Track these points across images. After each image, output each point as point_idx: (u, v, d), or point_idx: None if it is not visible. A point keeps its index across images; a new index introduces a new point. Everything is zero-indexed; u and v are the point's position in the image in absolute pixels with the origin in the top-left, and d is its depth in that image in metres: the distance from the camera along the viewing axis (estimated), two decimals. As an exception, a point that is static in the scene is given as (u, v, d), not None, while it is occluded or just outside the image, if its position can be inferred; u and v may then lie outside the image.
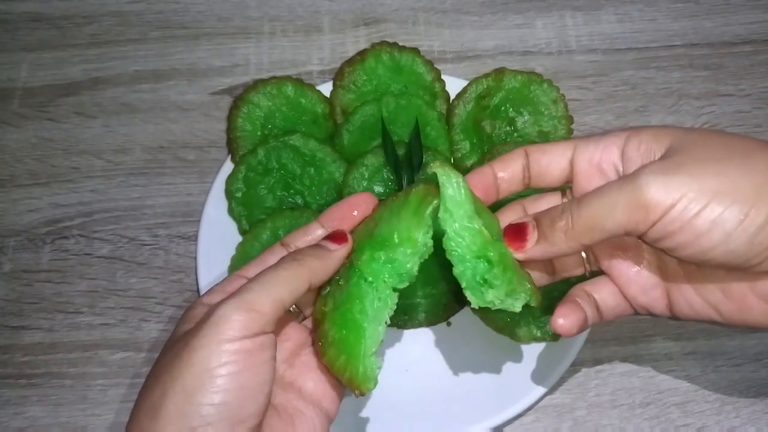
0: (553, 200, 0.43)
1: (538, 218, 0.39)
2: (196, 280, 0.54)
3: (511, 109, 0.57)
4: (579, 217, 0.36)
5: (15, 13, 0.67)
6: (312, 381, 0.40)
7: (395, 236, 0.38)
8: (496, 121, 0.57)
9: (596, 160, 0.39)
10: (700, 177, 0.34)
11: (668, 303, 0.40)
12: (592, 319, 0.41)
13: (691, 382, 0.52)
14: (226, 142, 0.59)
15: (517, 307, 0.38)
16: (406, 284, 0.39)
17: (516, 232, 0.39)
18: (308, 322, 0.43)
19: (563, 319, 0.39)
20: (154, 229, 0.58)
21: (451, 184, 0.37)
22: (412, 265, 0.38)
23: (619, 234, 0.35)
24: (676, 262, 0.40)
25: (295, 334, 0.42)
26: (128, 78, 0.64)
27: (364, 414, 0.49)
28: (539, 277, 0.43)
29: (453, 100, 0.58)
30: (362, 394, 0.37)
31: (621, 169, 0.39)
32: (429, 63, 0.59)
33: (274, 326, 0.36)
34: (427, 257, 0.39)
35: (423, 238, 0.38)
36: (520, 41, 0.65)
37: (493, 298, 0.38)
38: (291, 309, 0.42)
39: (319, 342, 0.39)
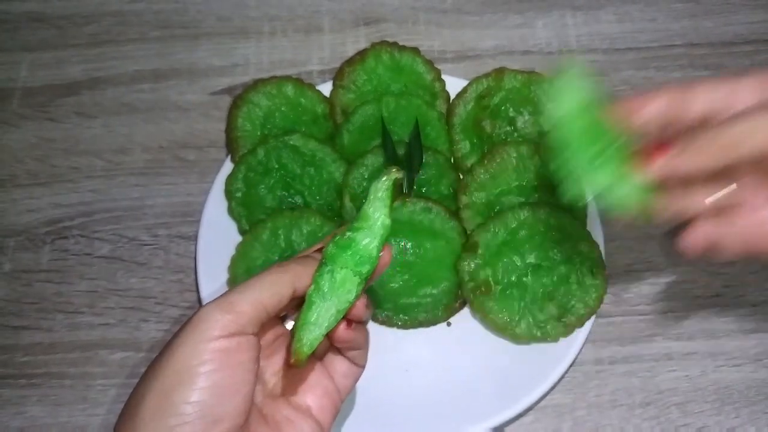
0: None
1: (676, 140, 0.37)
2: (196, 280, 0.54)
3: (511, 109, 0.57)
4: (721, 133, 0.35)
5: (15, 13, 0.67)
6: (301, 393, 0.40)
7: (355, 220, 0.38)
8: (496, 120, 0.57)
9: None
10: None
11: None
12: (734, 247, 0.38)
13: (691, 382, 0.52)
14: (226, 142, 0.59)
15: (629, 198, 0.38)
16: (368, 267, 0.38)
17: (656, 148, 0.38)
18: None
19: (692, 233, 0.38)
20: (154, 229, 0.58)
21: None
22: (369, 244, 0.38)
23: (756, 157, 0.35)
24: None
25: (285, 350, 0.41)
26: (128, 78, 0.64)
27: (364, 413, 0.49)
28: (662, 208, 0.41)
29: (453, 99, 0.58)
30: (298, 363, 0.36)
31: None
32: (429, 63, 0.59)
33: (256, 329, 0.36)
34: (386, 237, 0.38)
35: (376, 214, 0.38)
36: (521, 41, 0.65)
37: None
38: (289, 327, 0.41)
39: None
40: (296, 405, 0.39)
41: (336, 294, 0.37)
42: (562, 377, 0.51)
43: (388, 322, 0.52)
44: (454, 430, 0.48)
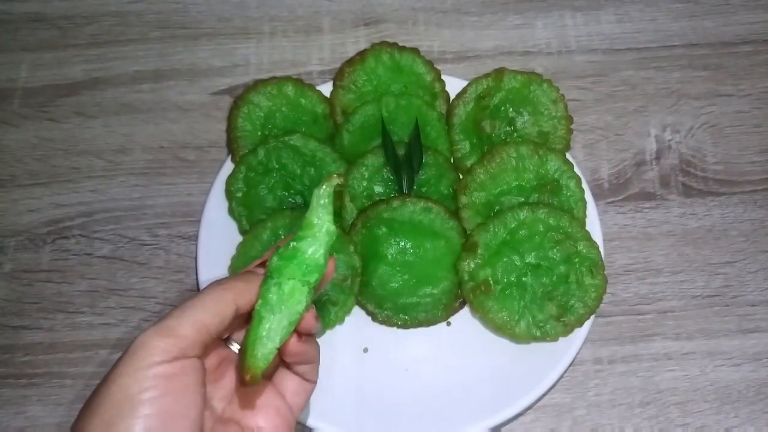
0: None
1: None
2: (197, 280, 0.54)
3: (511, 109, 0.57)
4: None
5: (15, 13, 0.68)
6: (252, 415, 0.39)
7: (298, 230, 0.38)
8: (496, 121, 0.57)
9: None
10: None
11: None
12: None
13: (690, 381, 0.52)
14: (227, 142, 0.59)
15: None
16: (316, 276, 0.37)
17: None
18: None
19: None
20: (155, 229, 0.58)
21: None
22: (315, 252, 0.37)
23: None
24: None
25: (234, 371, 0.40)
26: (128, 78, 0.64)
27: (363, 413, 0.49)
28: None
29: (453, 100, 0.58)
30: (253, 380, 0.35)
31: None
32: (429, 63, 0.59)
33: (200, 351, 0.35)
34: (331, 244, 0.37)
35: (319, 221, 0.37)
36: (520, 41, 0.65)
37: None
38: (234, 348, 0.40)
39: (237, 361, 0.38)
40: (248, 428, 0.38)
41: (286, 305, 0.36)
42: (562, 377, 0.51)
43: (388, 322, 0.52)
44: (454, 429, 0.49)
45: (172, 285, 0.56)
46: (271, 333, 0.36)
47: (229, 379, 0.40)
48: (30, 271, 0.57)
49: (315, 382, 0.41)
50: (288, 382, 0.40)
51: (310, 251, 0.37)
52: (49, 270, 0.57)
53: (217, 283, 0.37)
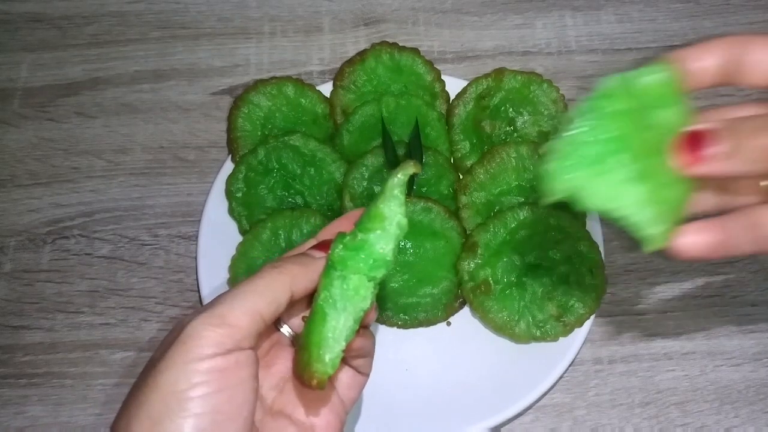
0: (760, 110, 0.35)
1: (734, 127, 0.31)
2: (197, 279, 0.54)
3: (511, 109, 0.57)
4: None
5: (15, 13, 0.68)
6: (305, 408, 0.36)
7: (365, 219, 0.35)
8: (496, 121, 0.57)
9: None
10: None
11: None
12: (741, 249, 0.33)
13: (690, 381, 0.52)
14: (227, 142, 0.59)
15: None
16: (383, 272, 0.34)
17: (698, 141, 0.31)
18: None
19: (696, 236, 0.32)
20: (155, 229, 0.58)
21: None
22: (385, 248, 0.34)
23: None
24: None
25: (285, 358, 0.37)
26: (128, 78, 0.64)
27: (362, 413, 0.49)
28: (704, 200, 0.35)
29: (453, 100, 0.58)
30: (320, 385, 0.32)
31: None
32: (429, 63, 0.59)
33: (254, 342, 0.32)
34: (402, 238, 0.35)
35: (392, 214, 0.34)
36: (520, 41, 0.65)
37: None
38: (285, 332, 0.38)
39: (294, 354, 0.35)
40: (299, 423, 0.36)
41: (351, 302, 0.33)
42: (562, 377, 0.51)
43: (388, 322, 0.52)
44: (454, 429, 0.49)
45: (172, 285, 0.56)
46: (337, 333, 0.33)
47: (280, 366, 0.37)
48: (30, 271, 0.57)
49: (368, 376, 0.39)
50: (342, 375, 0.37)
51: (378, 245, 0.34)
52: (49, 270, 0.57)
53: (272, 266, 0.34)
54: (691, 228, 0.33)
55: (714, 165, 0.31)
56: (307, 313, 0.37)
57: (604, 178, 0.30)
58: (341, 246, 0.34)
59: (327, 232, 0.39)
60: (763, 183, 0.34)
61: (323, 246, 0.37)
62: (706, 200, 0.36)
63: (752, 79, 0.33)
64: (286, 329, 0.38)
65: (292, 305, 0.35)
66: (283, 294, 0.33)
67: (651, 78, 0.32)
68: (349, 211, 0.40)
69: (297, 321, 0.38)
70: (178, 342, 0.31)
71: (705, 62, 0.33)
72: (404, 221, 0.34)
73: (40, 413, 0.52)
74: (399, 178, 0.34)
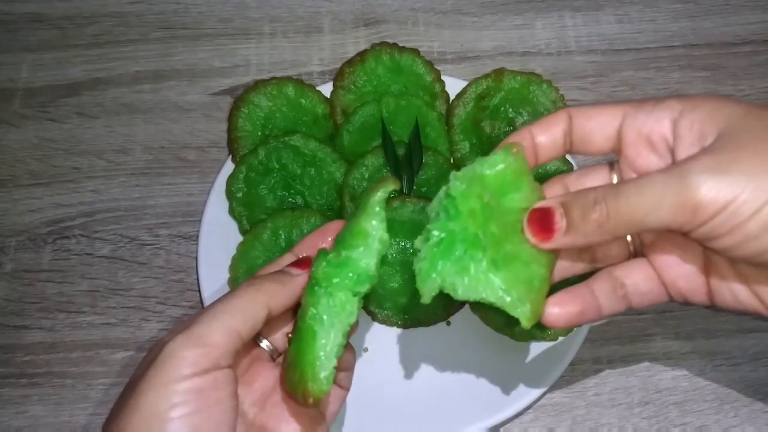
0: (599, 178, 0.39)
1: (567, 205, 0.34)
2: (197, 279, 0.54)
3: (510, 110, 0.57)
4: (616, 211, 0.32)
5: (16, 13, 0.68)
6: (286, 424, 0.36)
7: (347, 236, 0.35)
8: (495, 121, 0.57)
9: (646, 132, 0.35)
10: (756, 176, 0.30)
11: (709, 291, 0.36)
12: (609, 310, 0.37)
13: (689, 381, 0.52)
14: (227, 142, 0.59)
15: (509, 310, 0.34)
16: (367, 286, 0.35)
17: (541, 220, 0.34)
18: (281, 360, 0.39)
19: (558, 308, 0.36)
20: (155, 229, 0.58)
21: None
22: (368, 263, 0.35)
23: (660, 230, 0.33)
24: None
25: (266, 373, 0.38)
26: (129, 78, 0.64)
27: (361, 412, 0.49)
28: (571, 266, 0.39)
29: (453, 100, 0.59)
30: (316, 403, 0.33)
31: (671, 143, 0.34)
32: (429, 64, 0.59)
33: (232, 360, 0.33)
34: (383, 252, 0.35)
35: (374, 231, 0.35)
36: (520, 42, 0.65)
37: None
38: (265, 346, 0.38)
39: (282, 371, 0.36)
40: None
41: (338, 318, 0.34)
42: (561, 376, 0.51)
43: (388, 322, 0.53)
44: (453, 429, 0.49)
45: (172, 285, 0.56)
46: (328, 350, 0.33)
47: (261, 382, 0.37)
48: (31, 270, 0.57)
49: (348, 389, 0.39)
50: None
51: (362, 262, 0.35)
52: (49, 270, 0.57)
53: (248, 284, 0.35)
54: (553, 300, 0.36)
55: (559, 240, 0.34)
56: (289, 329, 0.38)
57: (466, 272, 0.34)
58: (324, 263, 0.35)
59: (303, 247, 0.39)
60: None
61: (301, 263, 0.37)
62: (576, 266, 0.39)
63: (593, 146, 0.37)
64: (265, 344, 0.39)
65: (270, 321, 0.35)
66: (260, 312, 0.34)
67: (498, 167, 0.35)
68: (323, 225, 0.40)
69: (278, 336, 0.39)
70: (157, 363, 0.32)
71: (551, 134, 0.37)
72: (386, 236, 0.35)
73: (40, 413, 0.52)
74: (380, 194, 0.35)
